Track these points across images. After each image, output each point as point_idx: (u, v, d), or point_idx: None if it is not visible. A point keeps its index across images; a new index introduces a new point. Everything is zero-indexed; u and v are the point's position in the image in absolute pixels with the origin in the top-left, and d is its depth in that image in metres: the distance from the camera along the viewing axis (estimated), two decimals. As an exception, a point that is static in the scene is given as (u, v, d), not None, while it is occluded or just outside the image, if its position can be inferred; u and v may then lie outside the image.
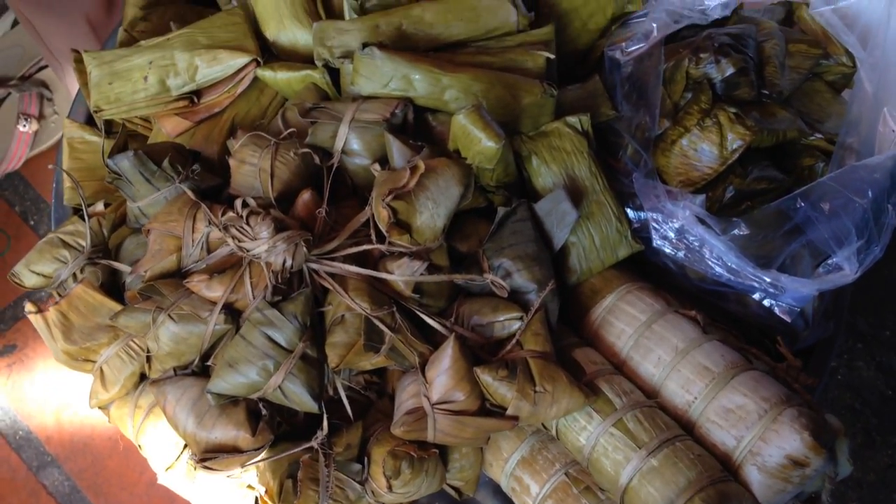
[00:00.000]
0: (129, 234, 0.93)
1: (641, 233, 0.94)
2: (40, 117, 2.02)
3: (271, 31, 1.04)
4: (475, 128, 0.82)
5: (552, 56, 0.94)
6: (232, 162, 0.88)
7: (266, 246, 0.78)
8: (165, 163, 0.87)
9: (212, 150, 0.99)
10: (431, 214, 0.81)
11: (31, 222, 1.98)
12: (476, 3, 0.95)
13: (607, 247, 0.93)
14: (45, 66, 2.05)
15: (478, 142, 0.83)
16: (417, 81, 0.89)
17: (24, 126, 1.97)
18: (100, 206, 0.94)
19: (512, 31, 0.96)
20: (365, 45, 0.89)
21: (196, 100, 1.00)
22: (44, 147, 2.01)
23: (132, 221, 0.92)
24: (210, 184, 0.90)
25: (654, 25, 1.00)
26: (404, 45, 0.94)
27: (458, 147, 0.86)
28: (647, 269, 0.97)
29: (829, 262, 0.86)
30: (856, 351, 1.94)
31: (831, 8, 1.02)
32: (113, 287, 0.90)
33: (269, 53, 1.06)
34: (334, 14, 1.08)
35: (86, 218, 0.89)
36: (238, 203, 0.81)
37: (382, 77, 0.89)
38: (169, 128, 0.99)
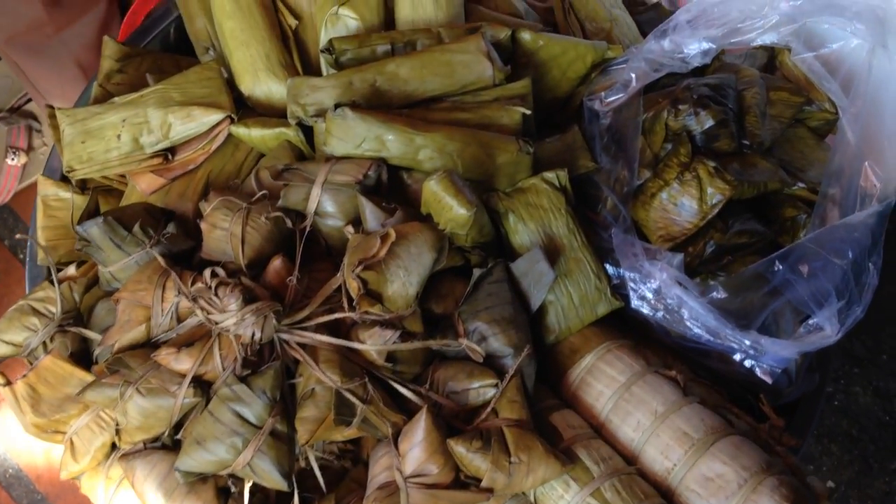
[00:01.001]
0: (103, 295, 0.92)
1: (621, 289, 0.93)
2: (29, 149, 2.01)
3: (246, 85, 1.03)
4: (447, 194, 0.81)
5: (528, 112, 0.93)
6: (203, 226, 0.87)
7: (234, 319, 0.77)
8: (136, 228, 0.86)
9: (186, 207, 0.98)
10: (403, 283, 0.79)
11: (21, 256, 1.97)
12: (451, 58, 0.94)
13: (586, 304, 0.92)
14: (33, 98, 2.04)
15: (449, 209, 0.81)
16: (391, 142, 0.88)
17: (13, 159, 1.96)
18: (71, 270, 0.93)
19: (488, 84, 0.95)
20: (337, 106, 0.88)
21: (170, 156, 0.99)
22: (33, 180, 1.99)
23: (105, 284, 0.91)
24: (182, 247, 0.89)
25: (633, 76, 0.99)
26: (378, 102, 0.93)
27: (431, 212, 0.84)
28: (629, 323, 0.96)
29: (811, 322, 0.84)
30: (852, 375, 1.92)
31: (813, 54, 1.01)
32: (84, 354, 0.89)
33: (245, 106, 1.05)
34: (311, 66, 1.07)
35: (56, 285, 0.88)
36: (207, 273, 0.80)
37: (355, 138, 0.88)
38: (143, 185, 0.98)
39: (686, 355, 0.93)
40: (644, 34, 1.17)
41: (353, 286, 0.77)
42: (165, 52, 1.20)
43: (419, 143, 0.88)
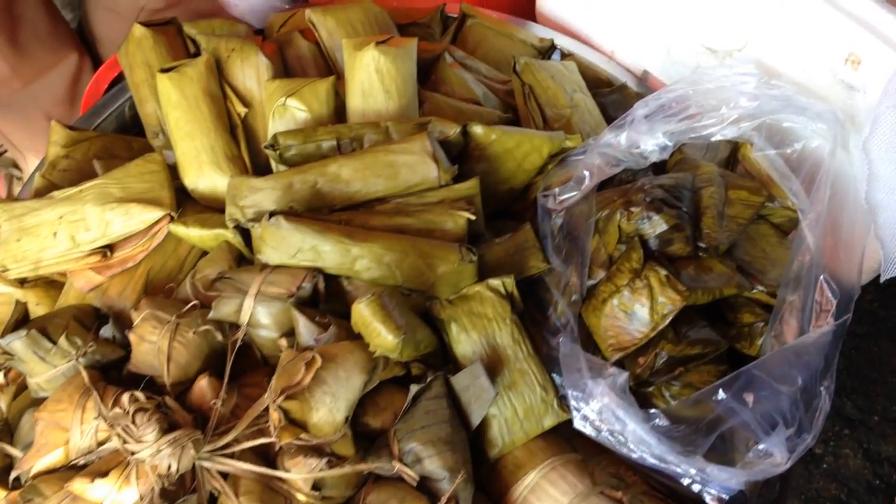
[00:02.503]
0: (32, 402, 0.89)
1: (569, 400, 0.89)
2: (9, 197, 1.99)
3: (190, 178, 1.01)
4: (375, 319, 0.78)
5: (473, 217, 0.90)
6: (132, 337, 0.85)
7: (150, 450, 0.74)
8: (62, 340, 0.84)
9: (125, 305, 0.95)
10: (330, 409, 0.76)
11: None
12: (394, 158, 0.91)
13: (531, 417, 0.88)
14: (13, 147, 2.03)
15: (377, 334, 0.78)
16: (326, 252, 0.85)
17: (-9, 208, 1.94)
18: (-1, 378, 0.90)
19: (434, 186, 0.92)
20: (272, 214, 0.85)
21: (109, 253, 0.96)
22: (11, 229, 1.97)
23: (34, 391, 0.88)
24: (111, 357, 0.86)
25: (587, 173, 0.96)
26: (320, 204, 0.90)
27: (361, 333, 0.81)
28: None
29: (759, 447, 0.80)
30: (842, 437, 1.87)
31: (775, 152, 0.98)
32: (9, 469, 0.86)
33: (190, 197, 1.02)
34: (260, 155, 1.05)
35: (-20, 397, 0.85)
36: (125, 398, 0.77)
37: (290, 248, 0.85)
38: (81, 283, 0.96)
39: (639, 467, 0.89)
40: (608, 117, 1.13)
41: (275, 418, 0.74)
42: (120, 130, 1.18)
43: (356, 254, 0.85)
